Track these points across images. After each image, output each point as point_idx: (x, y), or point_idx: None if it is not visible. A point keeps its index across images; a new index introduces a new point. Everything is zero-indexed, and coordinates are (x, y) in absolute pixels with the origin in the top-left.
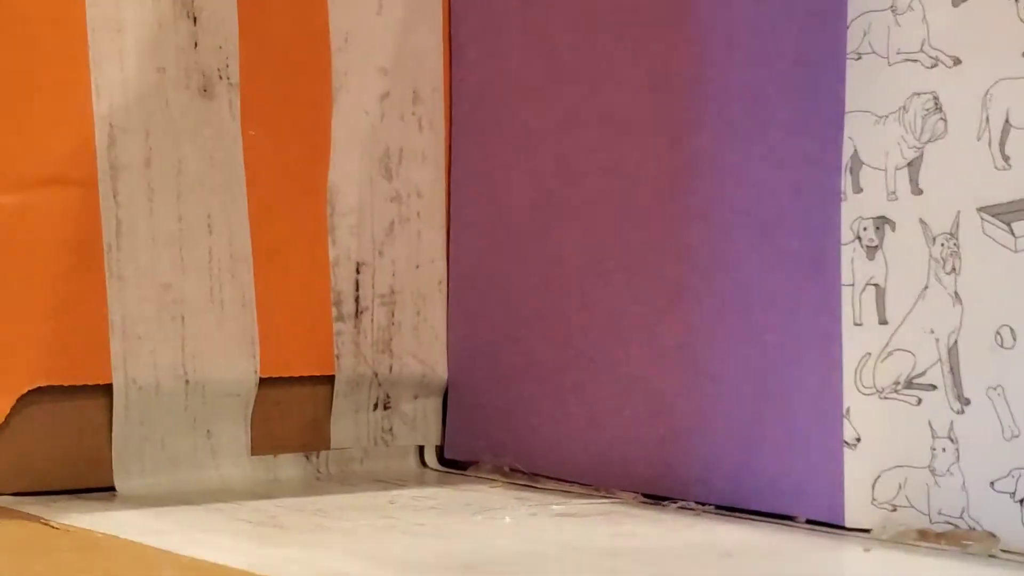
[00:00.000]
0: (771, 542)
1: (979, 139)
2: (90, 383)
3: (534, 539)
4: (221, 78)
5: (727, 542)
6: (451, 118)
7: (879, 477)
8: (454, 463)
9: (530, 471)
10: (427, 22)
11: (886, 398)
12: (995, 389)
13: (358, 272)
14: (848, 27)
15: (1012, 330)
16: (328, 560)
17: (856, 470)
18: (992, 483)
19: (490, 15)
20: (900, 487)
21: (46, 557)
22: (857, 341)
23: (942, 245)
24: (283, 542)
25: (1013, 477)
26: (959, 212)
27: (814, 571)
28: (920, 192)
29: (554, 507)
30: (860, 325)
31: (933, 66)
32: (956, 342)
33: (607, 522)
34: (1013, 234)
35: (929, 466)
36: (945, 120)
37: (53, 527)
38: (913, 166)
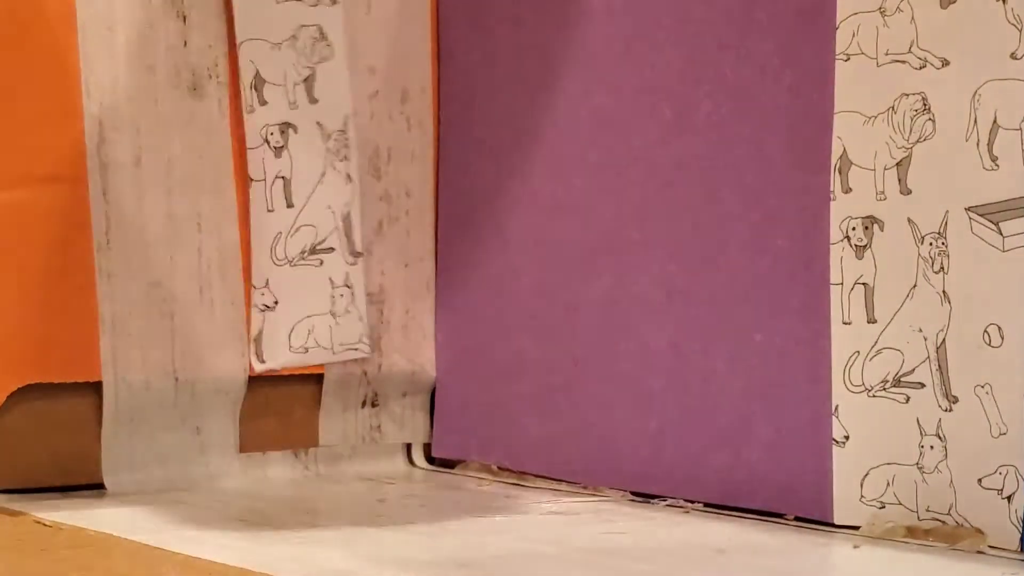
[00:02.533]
0: (762, 539)
1: (967, 140)
2: (80, 380)
3: (525, 537)
4: (210, 77)
5: (718, 539)
6: (440, 117)
7: (867, 474)
8: (442, 461)
9: (518, 469)
10: (416, 22)
11: (874, 396)
12: (982, 387)
13: None
14: (837, 28)
15: (999, 329)
16: (323, 558)
17: (845, 468)
18: (980, 480)
19: (478, 16)
20: (888, 484)
21: (42, 554)
22: (846, 340)
23: (930, 244)
24: (277, 539)
25: (1000, 474)
26: (947, 212)
27: (805, 567)
28: (908, 192)
29: (543, 505)
30: (849, 324)
31: (922, 67)
32: (944, 341)
33: (597, 520)
34: (1001, 233)
35: (917, 463)
36: (933, 121)
37: (45, 524)
38: (902, 166)
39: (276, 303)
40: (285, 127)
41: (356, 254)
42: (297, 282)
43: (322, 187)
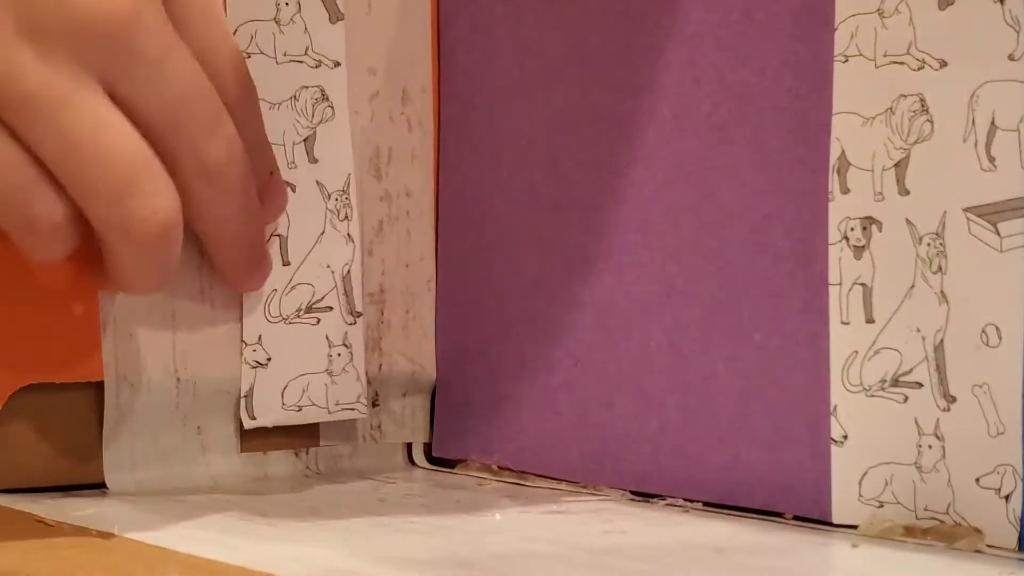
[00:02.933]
0: (760, 538)
1: (965, 140)
2: (81, 381)
3: (526, 536)
4: None
5: (717, 538)
6: (440, 118)
7: (866, 474)
8: (442, 461)
9: (518, 469)
10: (416, 23)
11: (873, 396)
12: (980, 387)
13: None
14: (836, 30)
15: (997, 329)
16: (325, 557)
17: (843, 467)
18: (978, 479)
19: (479, 17)
20: (887, 483)
21: (43, 554)
22: (844, 340)
23: (928, 245)
24: (278, 539)
25: (998, 473)
26: (945, 212)
27: (804, 566)
28: (907, 193)
29: (543, 504)
30: (847, 324)
31: (920, 68)
32: (942, 341)
33: (597, 519)
34: (999, 234)
35: (915, 463)
36: (931, 122)
37: (47, 523)
38: (900, 167)
39: (269, 360)
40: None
41: (356, 314)
42: (292, 340)
43: (320, 246)
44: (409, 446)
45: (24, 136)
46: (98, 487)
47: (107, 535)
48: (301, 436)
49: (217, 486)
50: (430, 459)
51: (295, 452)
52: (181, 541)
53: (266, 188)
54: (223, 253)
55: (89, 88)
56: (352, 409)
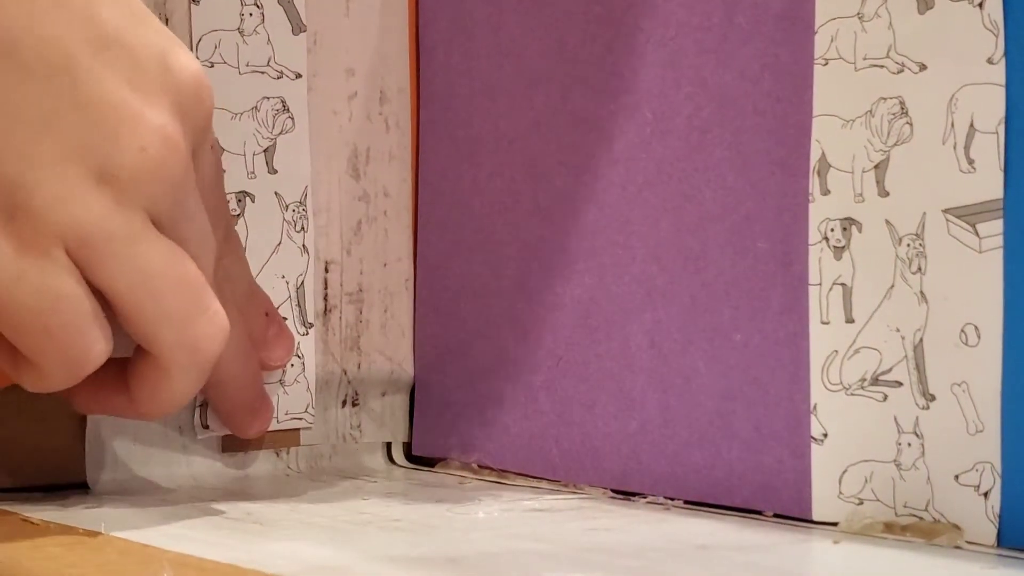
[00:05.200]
0: (743, 535)
1: (944, 143)
2: None
3: (510, 534)
4: None
5: (700, 535)
6: (419, 118)
7: (846, 471)
8: (421, 459)
9: (499, 468)
10: (395, 24)
11: (853, 395)
12: (959, 385)
13: (326, 270)
14: (816, 33)
15: (976, 328)
16: (312, 555)
17: (823, 465)
18: (956, 477)
19: (459, 18)
20: (866, 481)
21: (32, 553)
22: (824, 339)
23: (908, 246)
24: (264, 537)
25: (977, 471)
26: (925, 213)
27: (787, 562)
28: (886, 194)
29: (525, 502)
30: (827, 324)
31: (899, 72)
32: (921, 340)
33: (580, 517)
34: (977, 235)
35: (895, 460)
36: (911, 124)
37: (33, 523)
38: (880, 168)
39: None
40: (242, 196)
41: (308, 325)
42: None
43: (276, 257)
44: (389, 445)
45: (97, 273)
46: (80, 487)
47: (94, 534)
48: (282, 436)
49: (199, 485)
50: (410, 458)
51: (276, 452)
52: (169, 539)
53: (265, 332)
54: (219, 399)
55: (151, 225)
56: (299, 419)
